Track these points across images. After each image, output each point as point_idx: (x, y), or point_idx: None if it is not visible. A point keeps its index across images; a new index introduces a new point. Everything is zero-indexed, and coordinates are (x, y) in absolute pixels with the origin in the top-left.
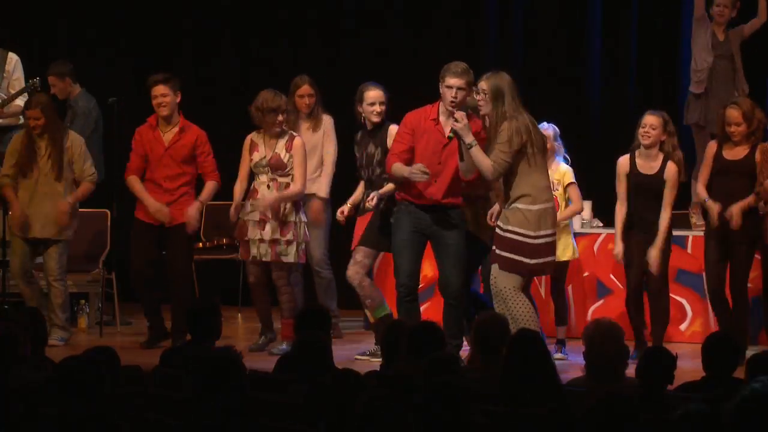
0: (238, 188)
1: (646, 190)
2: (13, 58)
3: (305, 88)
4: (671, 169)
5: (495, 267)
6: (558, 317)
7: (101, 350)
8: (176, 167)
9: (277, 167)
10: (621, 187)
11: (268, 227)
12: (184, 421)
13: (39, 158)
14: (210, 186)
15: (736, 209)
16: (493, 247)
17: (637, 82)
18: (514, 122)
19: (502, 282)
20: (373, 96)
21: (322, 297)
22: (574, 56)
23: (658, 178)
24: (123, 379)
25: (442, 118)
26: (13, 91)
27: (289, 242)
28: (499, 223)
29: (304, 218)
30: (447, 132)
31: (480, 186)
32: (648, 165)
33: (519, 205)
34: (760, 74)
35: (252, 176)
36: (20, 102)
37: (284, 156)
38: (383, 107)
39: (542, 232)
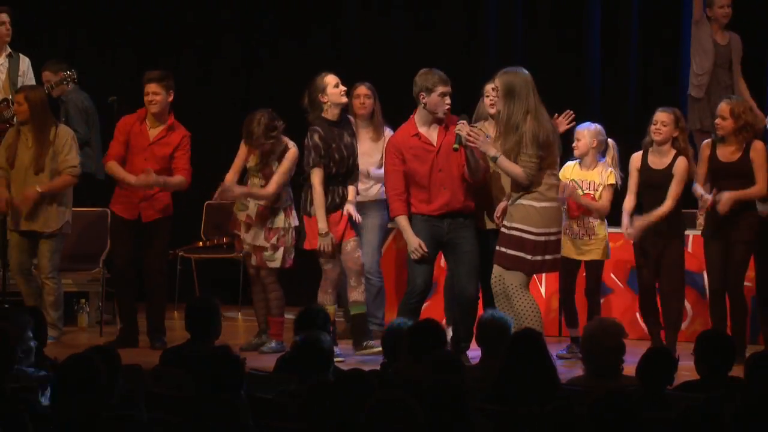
0: (230, 176)
1: (656, 186)
2: (26, 60)
3: (362, 89)
4: (680, 163)
5: (498, 267)
6: (590, 317)
7: (102, 350)
8: (156, 164)
9: (270, 175)
10: (632, 182)
11: (251, 232)
12: (184, 420)
13: (27, 150)
14: (177, 177)
15: (727, 195)
16: (497, 247)
17: (638, 81)
18: (532, 123)
19: (508, 280)
20: (334, 78)
21: (371, 304)
22: (573, 55)
23: (668, 173)
24: (123, 379)
25: (422, 129)
26: None
27: (275, 247)
28: (504, 221)
29: (294, 223)
30: (434, 140)
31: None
32: (659, 161)
33: (524, 201)
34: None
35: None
36: None
37: (275, 168)
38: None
39: (545, 230)
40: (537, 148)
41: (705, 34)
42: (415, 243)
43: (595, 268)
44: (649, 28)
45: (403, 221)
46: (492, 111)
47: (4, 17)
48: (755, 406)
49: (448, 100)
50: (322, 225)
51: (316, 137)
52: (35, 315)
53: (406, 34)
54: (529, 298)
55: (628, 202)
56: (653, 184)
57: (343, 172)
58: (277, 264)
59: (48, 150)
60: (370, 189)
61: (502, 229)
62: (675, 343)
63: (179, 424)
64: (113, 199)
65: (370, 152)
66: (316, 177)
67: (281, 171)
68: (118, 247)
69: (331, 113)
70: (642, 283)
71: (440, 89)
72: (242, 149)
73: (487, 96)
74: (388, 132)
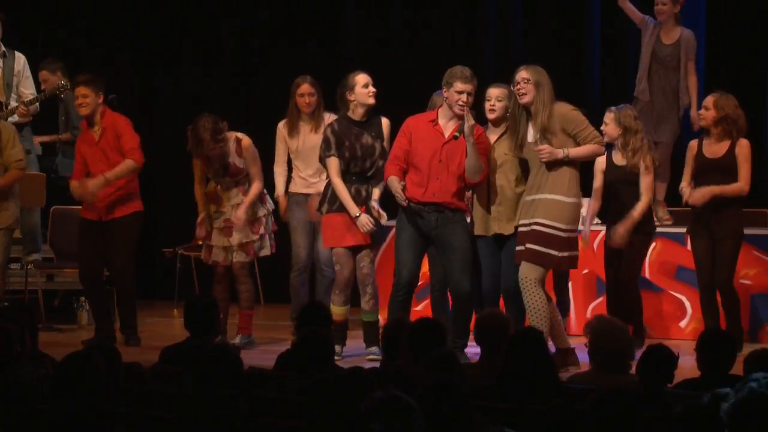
0: (199, 189)
1: (618, 181)
2: (21, 57)
3: (305, 87)
4: (642, 162)
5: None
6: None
7: (102, 348)
8: (107, 159)
9: (236, 173)
10: (597, 182)
11: (235, 234)
12: (183, 417)
13: None
14: (125, 163)
15: (706, 189)
16: (518, 246)
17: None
18: (566, 105)
19: (524, 272)
20: (365, 78)
21: (322, 296)
22: (573, 55)
23: (628, 170)
24: (123, 376)
25: (441, 121)
26: (25, 91)
27: (262, 237)
28: (522, 220)
29: (271, 206)
30: (447, 132)
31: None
32: (620, 158)
33: (554, 196)
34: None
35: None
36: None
37: (239, 162)
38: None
39: (572, 226)
40: (582, 117)
41: (649, 36)
42: (399, 190)
43: None
44: None
45: (393, 179)
46: (491, 117)
47: None
48: (753, 404)
49: (464, 98)
50: (351, 210)
51: (329, 131)
52: (30, 313)
53: (404, 37)
54: (540, 295)
55: (593, 206)
56: (620, 181)
57: (356, 171)
58: (267, 252)
59: None
60: (321, 183)
61: (523, 228)
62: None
63: (179, 423)
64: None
65: (310, 142)
66: (331, 168)
67: (252, 162)
68: (83, 249)
69: (356, 112)
70: (609, 279)
71: (458, 86)
72: (196, 162)
73: (488, 100)
74: (329, 118)
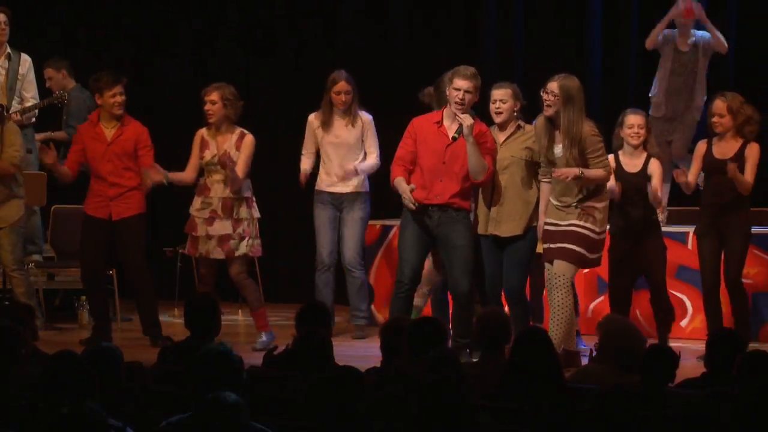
0: (186, 176)
1: (632, 188)
2: (27, 60)
3: (342, 85)
4: (654, 164)
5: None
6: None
7: (102, 347)
8: (119, 162)
9: (228, 164)
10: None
11: (216, 224)
12: (183, 417)
13: None
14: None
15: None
16: (552, 245)
17: (637, 81)
18: (587, 125)
19: (561, 270)
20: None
21: (354, 298)
22: (573, 56)
23: (642, 176)
24: (123, 376)
25: (446, 122)
26: (26, 94)
27: (240, 236)
28: (551, 220)
29: (256, 214)
30: (452, 133)
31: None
32: (632, 163)
33: (590, 202)
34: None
35: (202, 171)
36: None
37: (234, 154)
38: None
39: (604, 228)
40: (600, 144)
41: (667, 53)
42: (407, 191)
43: None
44: (650, 26)
45: (400, 180)
46: (498, 120)
47: (2, 17)
48: (745, 406)
49: (461, 95)
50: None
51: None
52: (26, 311)
53: (404, 39)
54: (572, 295)
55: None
56: (629, 186)
57: None
58: (242, 251)
59: None
60: (350, 180)
61: (551, 227)
62: (666, 339)
63: (178, 422)
64: (86, 199)
65: (348, 141)
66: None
67: (244, 158)
68: (88, 246)
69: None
70: (616, 281)
71: (456, 82)
72: (196, 141)
73: (493, 102)
74: (365, 115)
